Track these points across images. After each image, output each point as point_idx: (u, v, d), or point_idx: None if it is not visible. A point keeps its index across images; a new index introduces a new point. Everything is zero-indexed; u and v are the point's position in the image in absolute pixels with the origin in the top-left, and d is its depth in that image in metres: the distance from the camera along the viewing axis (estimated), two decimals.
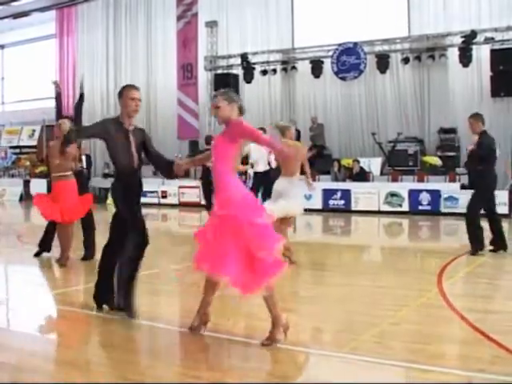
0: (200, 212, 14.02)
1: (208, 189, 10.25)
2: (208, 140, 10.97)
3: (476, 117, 7.91)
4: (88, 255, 7.54)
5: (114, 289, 4.83)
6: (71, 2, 22.04)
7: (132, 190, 4.84)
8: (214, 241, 4.01)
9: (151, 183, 16.47)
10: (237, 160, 4.24)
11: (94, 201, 8.00)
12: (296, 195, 7.35)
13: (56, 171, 7.24)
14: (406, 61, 15.80)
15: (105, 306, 4.95)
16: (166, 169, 5.00)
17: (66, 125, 7.52)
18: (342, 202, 14.83)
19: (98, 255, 7.61)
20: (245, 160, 11.75)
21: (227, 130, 4.16)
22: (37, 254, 7.76)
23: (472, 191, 8.14)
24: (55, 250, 7.51)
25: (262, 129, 11.73)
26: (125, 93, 4.76)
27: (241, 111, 4.24)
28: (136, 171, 4.84)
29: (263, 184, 10.47)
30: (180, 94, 19.80)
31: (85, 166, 8.51)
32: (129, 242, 4.74)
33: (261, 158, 10.48)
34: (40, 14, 22.28)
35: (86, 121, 25.32)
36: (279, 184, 7.22)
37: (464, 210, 7.38)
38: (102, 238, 9.60)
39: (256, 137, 4.15)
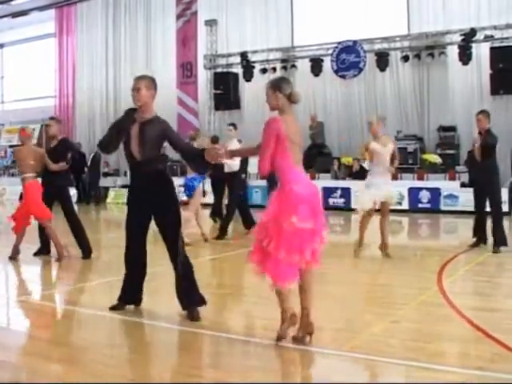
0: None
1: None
2: (215, 140, 10.76)
3: (485, 113, 7.95)
4: (86, 254, 7.56)
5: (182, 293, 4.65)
6: (70, 0, 22.02)
7: (132, 187, 4.70)
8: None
9: None
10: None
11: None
12: (386, 184, 7.58)
13: (38, 170, 7.40)
14: (405, 59, 15.77)
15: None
16: (196, 160, 4.55)
17: (54, 127, 7.55)
18: (342, 200, 14.81)
19: (96, 253, 7.68)
20: None
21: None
22: (36, 254, 7.75)
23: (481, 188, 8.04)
24: (54, 250, 7.50)
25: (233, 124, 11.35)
26: None
27: (290, 99, 3.93)
28: (139, 164, 4.51)
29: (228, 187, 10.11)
30: (180, 92, 19.77)
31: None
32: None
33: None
34: (39, 12, 22.23)
35: (85, 120, 24.99)
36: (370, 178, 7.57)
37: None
38: (101, 237, 9.57)
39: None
